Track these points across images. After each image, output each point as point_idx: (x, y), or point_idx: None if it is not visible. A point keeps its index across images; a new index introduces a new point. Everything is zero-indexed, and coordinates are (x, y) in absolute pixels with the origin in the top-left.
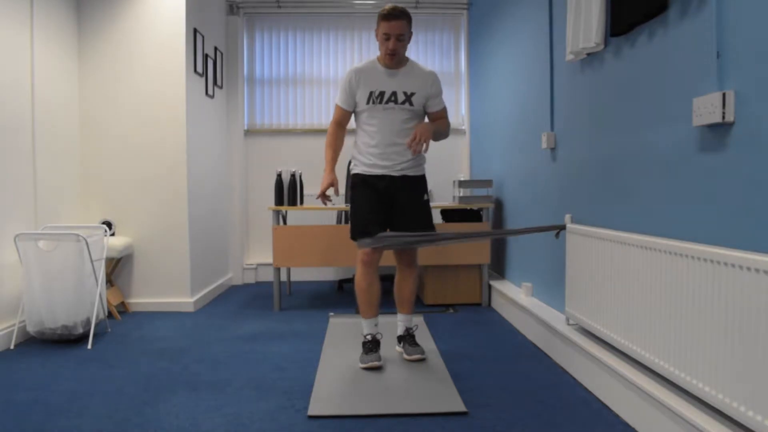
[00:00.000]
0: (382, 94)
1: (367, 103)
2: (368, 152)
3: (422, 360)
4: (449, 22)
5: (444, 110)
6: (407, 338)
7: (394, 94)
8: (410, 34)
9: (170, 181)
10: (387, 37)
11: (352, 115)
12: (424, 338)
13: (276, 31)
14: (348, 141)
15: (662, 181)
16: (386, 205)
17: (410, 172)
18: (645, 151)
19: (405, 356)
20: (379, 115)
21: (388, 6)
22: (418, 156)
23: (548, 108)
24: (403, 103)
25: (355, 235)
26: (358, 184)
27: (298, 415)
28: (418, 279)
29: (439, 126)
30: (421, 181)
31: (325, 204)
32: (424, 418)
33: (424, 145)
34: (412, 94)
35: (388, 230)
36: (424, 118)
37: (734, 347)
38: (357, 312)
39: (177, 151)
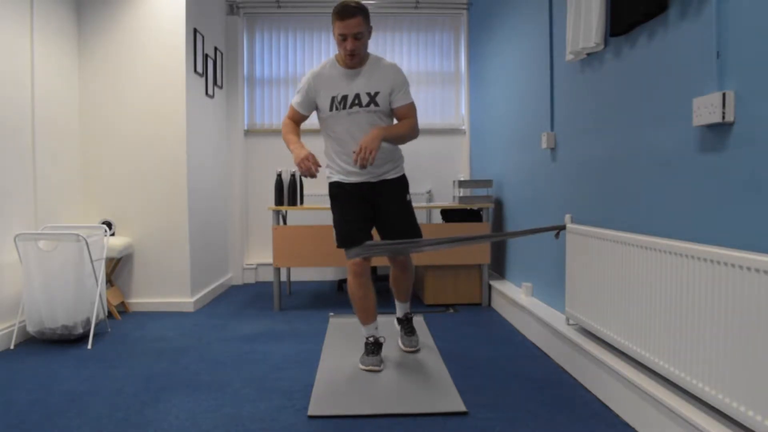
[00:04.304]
0: (344, 98)
1: (330, 109)
2: (341, 160)
3: (417, 351)
4: (449, 22)
5: (409, 106)
6: (404, 323)
7: (357, 96)
8: (369, 29)
9: (170, 181)
10: (343, 38)
11: (309, 118)
12: (425, 338)
13: (276, 31)
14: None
15: (662, 181)
16: (368, 209)
17: (389, 176)
18: (645, 151)
19: (401, 346)
20: (344, 121)
21: (341, 2)
22: (396, 157)
23: (548, 108)
24: (368, 105)
25: (342, 244)
26: (337, 192)
27: (298, 415)
28: (414, 274)
29: (398, 129)
30: (401, 182)
31: (312, 174)
32: (424, 418)
33: (370, 157)
34: (377, 93)
35: (373, 233)
36: (393, 118)
37: (734, 347)
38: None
39: (177, 151)
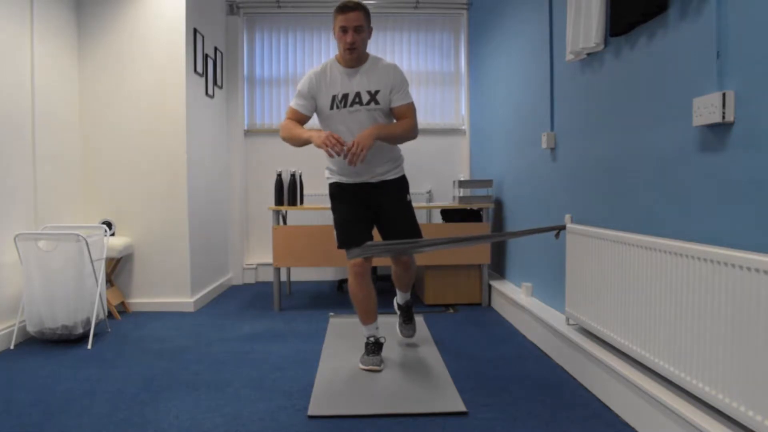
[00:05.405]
0: (345, 96)
1: (331, 108)
2: (340, 162)
3: (413, 341)
4: (449, 22)
5: (409, 106)
6: (404, 309)
7: (358, 95)
8: (370, 29)
9: (170, 181)
10: (344, 30)
11: (311, 120)
12: (425, 338)
13: (276, 31)
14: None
15: (662, 181)
16: (369, 209)
17: (389, 176)
18: (645, 151)
19: (398, 332)
20: (345, 119)
21: (342, 1)
22: (395, 157)
23: (548, 108)
24: (368, 103)
25: (343, 245)
26: (338, 192)
27: (298, 415)
28: (416, 270)
29: (395, 129)
30: (401, 182)
31: (340, 150)
32: (424, 418)
33: (361, 154)
34: (377, 92)
35: (373, 232)
36: (393, 118)
37: (734, 347)
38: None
39: (177, 151)
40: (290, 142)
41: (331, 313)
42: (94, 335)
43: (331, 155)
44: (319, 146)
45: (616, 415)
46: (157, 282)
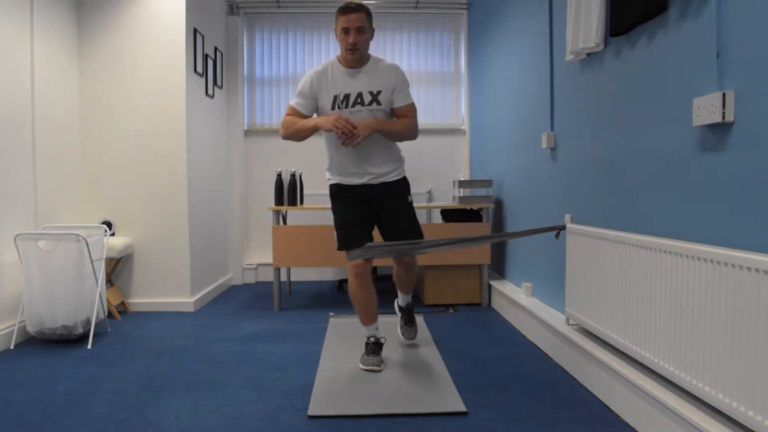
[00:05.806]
0: (347, 97)
1: (333, 108)
2: (341, 162)
3: (415, 343)
4: (449, 22)
5: (410, 107)
6: (405, 312)
7: (359, 95)
8: (372, 30)
9: (170, 181)
10: (346, 31)
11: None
12: (425, 338)
13: (276, 31)
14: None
15: (662, 181)
16: (369, 211)
17: (390, 178)
18: (645, 151)
19: (400, 335)
20: None
21: (344, 2)
22: (396, 158)
23: (548, 108)
24: (370, 104)
25: (343, 246)
26: (338, 193)
27: (298, 415)
28: (417, 272)
29: (395, 126)
30: (401, 184)
31: (352, 132)
32: (424, 418)
33: (356, 140)
34: (379, 92)
35: (374, 232)
36: (394, 118)
37: (734, 347)
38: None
39: (177, 151)
40: (295, 136)
41: (331, 313)
42: (94, 335)
43: (340, 137)
44: (330, 129)
45: (616, 415)
46: (157, 282)
